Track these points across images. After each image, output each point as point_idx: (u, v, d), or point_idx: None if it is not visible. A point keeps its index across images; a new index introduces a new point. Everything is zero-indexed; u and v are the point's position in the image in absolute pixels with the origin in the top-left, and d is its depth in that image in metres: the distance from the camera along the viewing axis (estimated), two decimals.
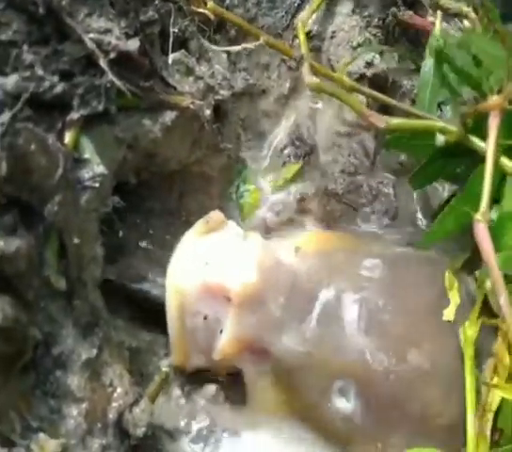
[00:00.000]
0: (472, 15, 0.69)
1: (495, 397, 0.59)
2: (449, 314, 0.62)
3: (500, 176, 0.63)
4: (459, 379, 0.61)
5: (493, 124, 0.58)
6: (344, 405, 0.62)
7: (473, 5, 0.74)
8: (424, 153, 0.68)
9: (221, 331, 0.64)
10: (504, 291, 0.53)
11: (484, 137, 0.61)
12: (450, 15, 0.79)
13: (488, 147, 0.58)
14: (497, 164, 0.60)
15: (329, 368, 0.62)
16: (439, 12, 0.75)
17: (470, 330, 0.61)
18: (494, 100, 0.58)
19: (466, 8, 0.71)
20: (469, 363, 0.60)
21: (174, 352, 0.66)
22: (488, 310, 0.62)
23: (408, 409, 0.61)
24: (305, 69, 0.67)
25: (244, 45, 0.73)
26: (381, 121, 0.62)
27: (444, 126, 0.63)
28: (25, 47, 0.54)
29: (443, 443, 0.60)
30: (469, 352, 0.60)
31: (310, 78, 0.65)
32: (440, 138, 0.63)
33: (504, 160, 0.61)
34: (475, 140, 0.62)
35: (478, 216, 0.56)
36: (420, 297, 0.65)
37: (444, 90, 0.71)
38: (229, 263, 0.64)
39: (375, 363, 0.61)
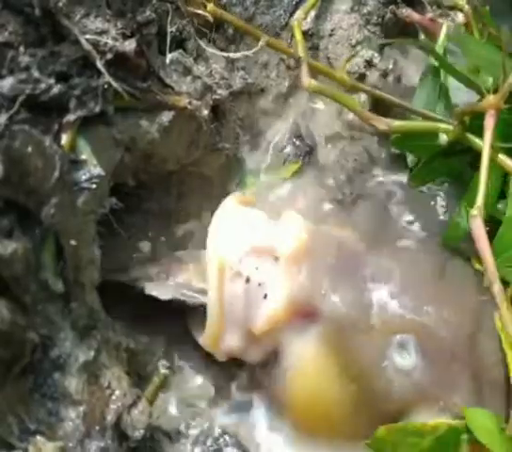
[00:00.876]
0: (467, 8, 0.69)
1: None
2: None
3: (502, 174, 0.64)
4: None
5: (489, 124, 0.59)
6: (404, 361, 0.61)
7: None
8: (427, 153, 0.68)
9: (265, 297, 0.62)
10: (497, 279, 0.55)
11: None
12: (446, 8, 0.79)
13: (484, 146, 0.59)
14: (495, 162, 0.61)
15: (386, 324, 0.61)
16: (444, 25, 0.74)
17: None
18: (490, 100, 0.59)
19: (461, 2, 0.71)
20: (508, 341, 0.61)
21: (208, 329, 0.63)
22: None
23: (467, 360, 0.61)
24: (303, 70, 0.67)
25: (244, 52, 0.73)
26: (383, 123, 0.63)
27: (445, 127, 0.64)
28: (22, 49, 0.54)
29: (501, 400, 0.61)
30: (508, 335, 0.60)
31: (307, 81, 0.65)
32: (443, 137, 0.64)
33: (505, 159, 0.62)
34: (474, 139, 0.63)
35: (474, 211, 0.57)
36: (456, 265, 0.66)
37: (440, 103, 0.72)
38: (275, 227, 0.64)
39: (432, 316, 0.61)
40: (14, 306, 0.51)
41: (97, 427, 0.56)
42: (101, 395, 0.57)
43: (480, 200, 0.58)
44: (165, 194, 0.72)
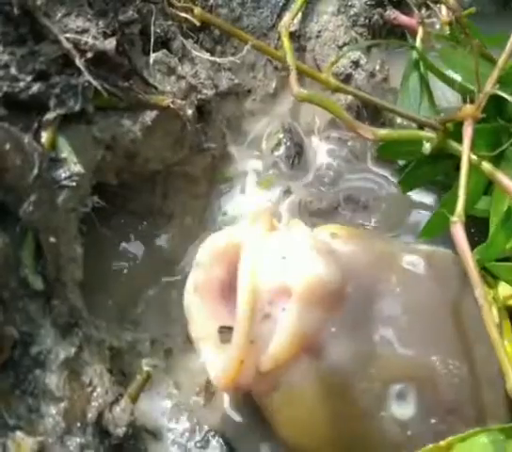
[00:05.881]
0: (452, 2, 0.69)
1: None
2: None
3: (485, 178, 0.65)
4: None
5: (467, 133, 0.61)
6: (402, 411, 0.57)
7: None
8: (414, 158, 0.69)
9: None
10: (480, 284, 0.55)
11: None
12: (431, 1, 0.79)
13: (463, 154, 0.61)
14: (476, 169, 0.62)
15: (388, 370, 0.57)
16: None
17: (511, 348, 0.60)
18: (467, 109, 0.61)
19: None
20: None
21: (226, 372, 0.57)
22: None
23: (465, 413, 0.59)
24: (292, 79, 0.66)
25: (230, 58, 0.73)
26: (369, 132, 0.64)
27: (428, 135, 0.65)
28: (1, 48, 0.54)
29: None
30: None
31: (297, 90, 0.65)
32: (427, 146, 0.65)
33: (487, 166, 0.62)
34: (457, 146, 0.64)
35: (454, 217, 0.58)
36: (463, 297, 0.61)
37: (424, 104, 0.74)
38: (289, 258, 0.58)
39: (439, 365, 0.58)
40: None
41: (78, 424, 0.56)
42: (82, 392, 0.57)
43: (460, 206, 0.59)
44: (150, 194, 0.72)
